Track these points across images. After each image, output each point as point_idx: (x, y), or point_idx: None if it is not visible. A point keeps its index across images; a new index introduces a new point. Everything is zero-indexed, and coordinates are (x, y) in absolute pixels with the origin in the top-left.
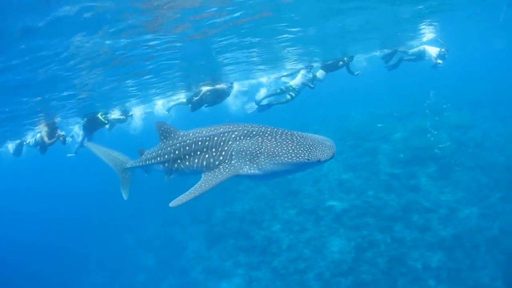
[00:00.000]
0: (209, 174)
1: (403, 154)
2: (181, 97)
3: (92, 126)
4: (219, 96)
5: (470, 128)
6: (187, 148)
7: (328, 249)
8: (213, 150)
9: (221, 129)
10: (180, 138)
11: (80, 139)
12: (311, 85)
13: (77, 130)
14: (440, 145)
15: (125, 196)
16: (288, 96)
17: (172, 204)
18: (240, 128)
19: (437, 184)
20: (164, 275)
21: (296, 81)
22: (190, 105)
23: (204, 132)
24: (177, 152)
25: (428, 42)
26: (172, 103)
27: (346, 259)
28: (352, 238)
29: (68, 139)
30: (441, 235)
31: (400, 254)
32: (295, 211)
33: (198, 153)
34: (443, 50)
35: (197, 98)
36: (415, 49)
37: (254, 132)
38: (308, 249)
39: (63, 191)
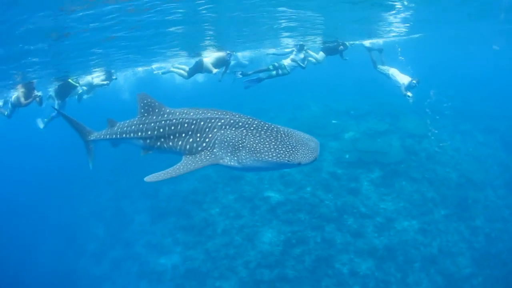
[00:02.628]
0: (190, 158)
1: (349, 155)
2: (182, 67)
3: (64, 91)
4: (217, 65)
5: (425, 138)
6: (172, 128)
7: (259, 239)
8: (198, 135)
9: (209, 114)
10: (166, 116)
11: (56, 105)
12: (302, 65)
13: (52, 93)
14: (389, 152)
15: (90, 166)
16: (274, 72)
17: (147, 179)
18: (228, 116)
19: (378, 191)
20: (112, 246)
21: (288, 60)
22: (187, 73)
23: (191, 114)
24: (161, 130)
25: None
26: (172, 69)
27: (274, 251)
28: (283, 232)
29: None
30: (374, 243)
31: (328, 255)
32: (234, 196)
33: (183, 135)
34: (414, 81)
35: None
36: (384, 67)
37: (240, 124)
38: (240, 237)
39: (27, 152)
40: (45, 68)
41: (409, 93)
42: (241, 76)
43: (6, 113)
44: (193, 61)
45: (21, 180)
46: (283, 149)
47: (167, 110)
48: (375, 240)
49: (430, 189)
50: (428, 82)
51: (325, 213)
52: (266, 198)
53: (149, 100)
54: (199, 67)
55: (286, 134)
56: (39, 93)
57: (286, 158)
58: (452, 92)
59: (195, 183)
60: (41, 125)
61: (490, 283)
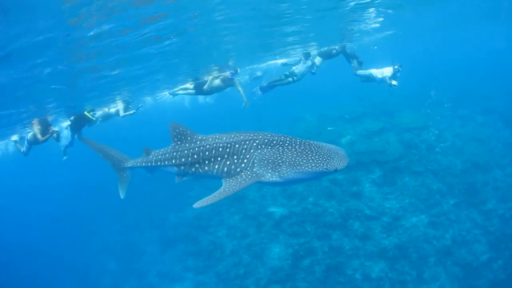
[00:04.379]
0: (231, 180)
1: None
2: (188, 85)
3: (79, 124)
4: (225, 84)
5: (424, 130)
6: (207, 153)
7: (267, 256)
8: (235, 157)
9: (242, 137)
10: (198, 142)
11: (68, 140)
12: (313, 71)
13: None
14: (387, 149)
15: (122, 195)
16: (290, 79)
17: (196, 205)
18: (260, 136)
19: (381, 191)
20: (126, 279)
21: (299, 67)
22: (194, 91)
23: (224, 139)
24: (195, 156)
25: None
26: (179, 91)
27: (284, 266)
28: (290, 245)
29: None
30: (384, 244)
31: (338, 263)
32: (239, 216)
33: (219, 159)
34: (396, 67)
35: (205, 86)
36: (362, 71)
37: (274, 142)
38: (248, 255)
39: (35, 193)
40: (61, 103)
41: (394, 82)
42: (260, 92)
43: (23, 149)
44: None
45: (31, 219)
46: (320, 159)
47: (199, 137)
48: (384, 241)
49: (435, 180)
50: (421, 72)
51: (329, 221)
52: (270, 214)
53: (181, 129)
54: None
55: (317, 146)
56: (56, 129)
57: (324, 167)
58: (446, 78)
59: (199, 208)
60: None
61: (511, 264)
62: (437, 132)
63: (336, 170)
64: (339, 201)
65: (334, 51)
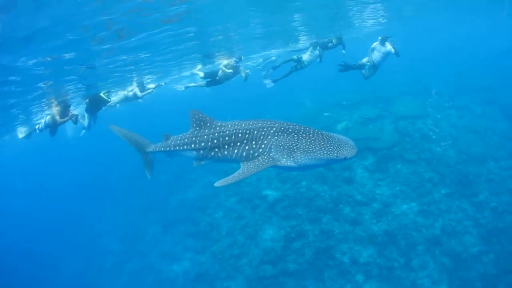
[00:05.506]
0: (249, 163)
1: None
2: (200, 80)
3: (95, 107)
4: (233, 73)
5: (420, 119)
6: (226, 138)
7: (260, 237)
8: (253, 142)
9: (260, 124)
10: (218, 128)
11: (86, 122)
12: (320, 60)
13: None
14: (381, 136)
15: (148, 176)
16: (298, 66)
17: (217, 184)
18: (277, 124)
19: (373, 177)
20: (128, 258)
21: (306, 56)
22: (205, 81)
23: (243, 125)
24: (215, 141)
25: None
26: (191, 84)
27: (276, 247)
28: (283, 227)
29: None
30: (373, 230)
31: (327, 246)
32: (235, 199)
33: (238, 144)
34: (380, 38)
35: (216, 77)
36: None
37: (290, 130)
38: (243, 236)
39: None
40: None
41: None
42: (273, 84)
43: (38, 127)
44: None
45: (39, 202)
46: (331, 147)
47: (219, 124)
48: (374, 227)
49: (427, 169)
50: (421, 60)
51: (321, 205)
52: (265, 196)
53: (200, 115)
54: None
55: (329, 136)
56: (76, 112)
57: (335, 154)
58: (446, 67)
59: (199, 190)
60: (21, 135)
61: (502, 259)
62: (432, 121)
63: (345, 158)
64: (331, 186)
65: (330, 44)
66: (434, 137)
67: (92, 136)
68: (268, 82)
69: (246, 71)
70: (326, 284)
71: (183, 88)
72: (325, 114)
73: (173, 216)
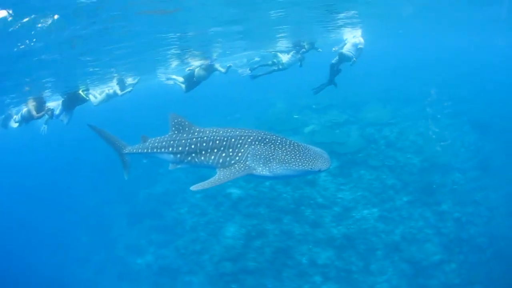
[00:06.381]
0: (225, 170)
1: None
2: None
3: (72, 103)
4: (208, 72)
5: (387, 126)
6: (204, 144)
7: (222, 234)
8: (230, 150)
9: (237, 132)
10: (196, 134)
11: (57, 112)
12: (300, 64)
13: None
14: (347, 141)
15: (125, 177)
16: (275, 68)
17: (193, 188)
18: (255, 134)
19: (336, 181)
20: (96, 251)
21: (286, 58)
22: (184, 86)
23: (221, 132)
24: (193, 146)
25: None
26: (173, 76)
27: (236, 245)
28: (244, 225)
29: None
30: (332, 233)
31: (287, 246)
32: (201, 195)
33: (215, 150)
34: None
35: (194, 78)
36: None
37: (267, 140)
38: (205, 232)
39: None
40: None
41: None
42: (249, 72)
43: (16, 118)
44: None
45: (11, 194)
46: (306, 159)
47: (197, 129)
48: (333, 230)
49: (390, 176)
50: (396, 70)
51: (283, 206)
52: (229, 194)
53: (179, 119)
54: (192, 77)
55: (305, 148)
56: (51, 106)
57: (310, 166)
58: (422, 79)
59: (167, 185)
60: (14, 125)
61: (466, 269)
62: (399, 129)
63: (319, 171)
64: (294, 187)
65: (303, 49)
66: (399, 145)
67: (62, 130)
68: (242, 71)
69: (229, 64)
70: (284, 284)
71: (171, 82)
72: (295, 116)
73: (140, 210)
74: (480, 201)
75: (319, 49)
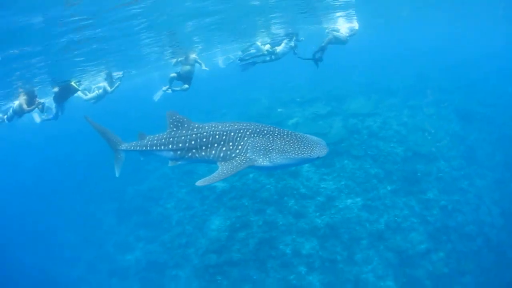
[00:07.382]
0: (227, 164)
1: None
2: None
3: (64, 95)
4: (192, 67)
5: (370, 117)
6: (204, 139)
7: (208, 227)
8: (230, 143)
9: (236, 126)
10: (196, 130)
11: (54, 111)
12: (294, 52)
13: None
14: (329, 132)
15: (117, 174)
16: (268, 58)
17: (198, 183)
18: (252, 126)
19: (319, 171)
20: (85, 249)
21: (280, 48)
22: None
23: (220, 127)
24: (193, 142)
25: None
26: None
27: (221, 237)
28: (229, 217)
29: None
30: (316, 222)
31: (271, 237)
32: (186, 190)
33: (216, 145)
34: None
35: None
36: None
37: (265, 131)
38: (191, 226)
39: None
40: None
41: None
42: (238, 61)
43: (6, 116)
44: None
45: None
46: (304, 147)
47: (196, 125)
48: (317, 220)
49: (373, 165)
50: (381, 61)
51: (266, 197)
52: (213, 187)
53: (177, 116)
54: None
55: (302, 136)
56: (42, 100)
57: (309, 154)
58: (405, 68)
59: (154, 181)
60: (38, 120)
61: (454, 258)
62: (382, 119)
63: (318, 157)
64: (277, 178)
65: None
66: (382, 134)
67: (50, 126)
68: (221, 61)
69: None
70: (269, 274)
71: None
72: (279, 110)
73: (128, 206)
74: (467, 189)
75: (302, 38)
